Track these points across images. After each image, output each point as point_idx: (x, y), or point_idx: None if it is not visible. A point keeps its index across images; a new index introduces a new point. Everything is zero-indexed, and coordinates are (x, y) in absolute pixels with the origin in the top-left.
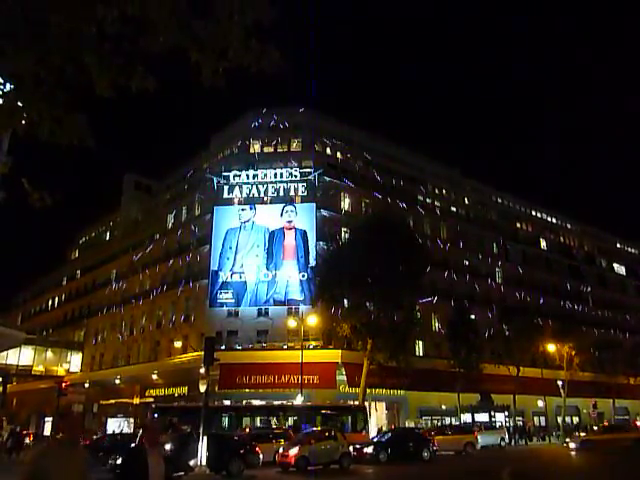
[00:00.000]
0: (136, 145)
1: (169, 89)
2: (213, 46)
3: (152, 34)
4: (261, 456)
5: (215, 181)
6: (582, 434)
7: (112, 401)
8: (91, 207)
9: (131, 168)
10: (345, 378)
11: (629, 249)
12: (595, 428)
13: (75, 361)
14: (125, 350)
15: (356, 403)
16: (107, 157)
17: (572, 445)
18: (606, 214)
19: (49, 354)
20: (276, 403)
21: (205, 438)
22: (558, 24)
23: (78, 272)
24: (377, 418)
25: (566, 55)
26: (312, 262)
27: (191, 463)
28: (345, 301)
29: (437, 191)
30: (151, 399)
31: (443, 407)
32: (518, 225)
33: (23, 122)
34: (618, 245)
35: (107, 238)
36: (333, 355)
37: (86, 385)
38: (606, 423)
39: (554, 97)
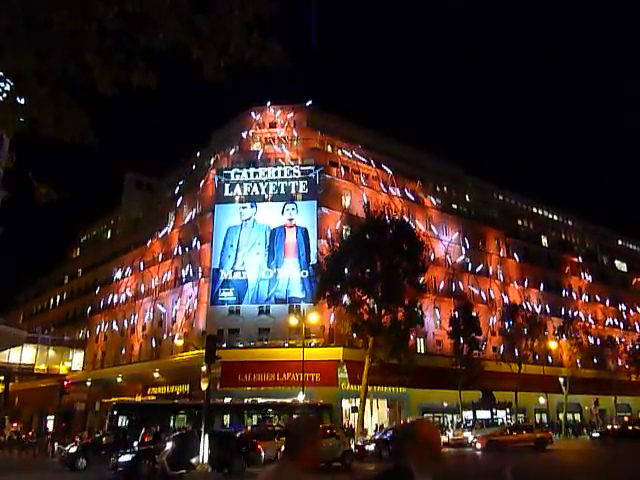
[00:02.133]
0: (137, 143)
1: (170, 86)
2: (214, 42)
3: (153, 30)
4: (263, 454)
5: (216, 179)
6: (488, 433)
7: (114, 400)
8: (92, 206)
9: (132, 166)
10: (346, 376)
11: (631, 246)
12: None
13: (77, 359)
14: (127, 348)
15: (321, 402)
16: (108, 155)
17: (478, 445)
18: (608, 211)
19: (51, 353)
20: (245, 402)
21: (207, 436)
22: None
23: (79, 270)
24: (379, 416)
25: (569, 47)
26: (313, 260)
27: (193, 461)
28: (346, 299)
29: (439, 188)
30: (153, 397)
31: (445, 404)
32: (519, 222)
33: (24, 120)
34: (620, 242)
35: (108, 236)
36: (334, 353)
37: (88, 384)
38: (511, 423)
39: (556, 92)
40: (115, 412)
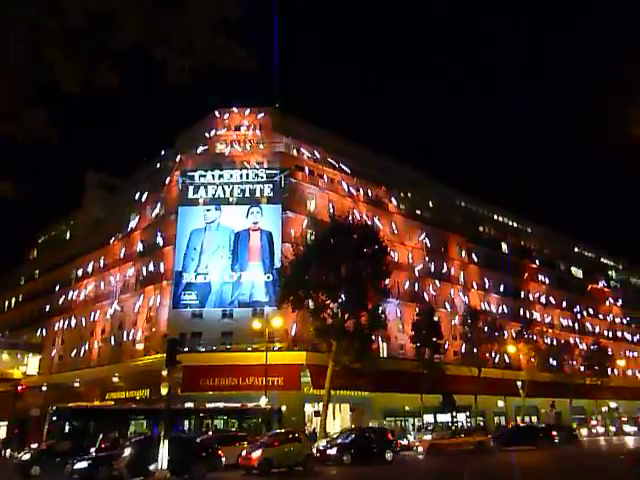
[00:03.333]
0: (100, 142)
1: (134, 86)
2: (178, 43)
3: (117, 30)
4: (224, 459)
5: (180, 181)
6: (430, 437)
7: (71, 405)
8: (51, 205)
9: (94, 166)
10: (309, 380)
11: (587, 253)
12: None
13: (33, 364)
14: (85, 352)
15: (270, 406)
16: (69, 154)
17: (420, 449)
18: (565, 220)
19: (5, 356)
20: (187, 405)
21: (166, 442)
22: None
23: (37, 272)
24: (341, 420)
25: (532, 51)
26: (277, 264)
27: (151, 467)
28: (310, 303)
29: (403, 194)
30: (111, 402)
31: (407, 408)
32: (481, 228)
33: None
34: (576, 249)
35: (68, 237)
36: (298, 357)
37: (44, 388)
38: (453, 427)
39: (516, 99)
40: (55, 418)
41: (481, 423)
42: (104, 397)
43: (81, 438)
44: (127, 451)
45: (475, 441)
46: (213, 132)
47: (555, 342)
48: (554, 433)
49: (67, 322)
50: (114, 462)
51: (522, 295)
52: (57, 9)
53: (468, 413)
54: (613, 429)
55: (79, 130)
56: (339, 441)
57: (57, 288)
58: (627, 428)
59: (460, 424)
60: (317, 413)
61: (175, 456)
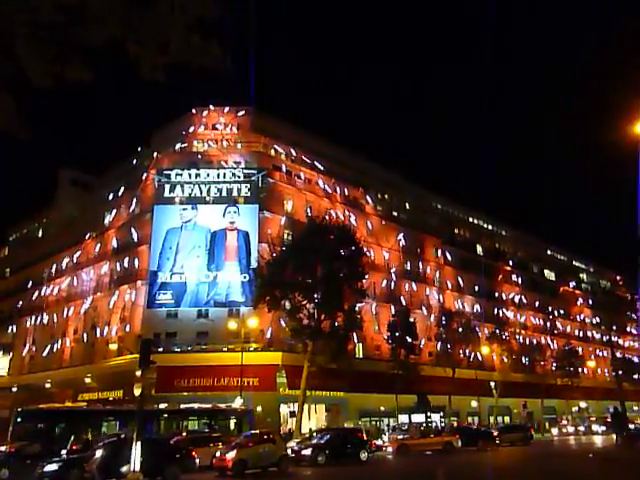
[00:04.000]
0: (74, 140)
1: (110, 83)
2: (152, 40)
3: (89, 25)
4: (197, 460)
5: (156, 179)
6: (399, 437)
7: (43, 406)
8: (23, 203)
9: (67, 163)
10: (285, 380)
11: (559, 256)
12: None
13: (3, 364)
14: (58, 353)
15: (243, 407)
16: (42, 150)
17: (389, 449)
18: (538, 223)
19: None
20: (161, 406)
21: (139, 443)
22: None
23: (7, 270)
24: (317, 420)
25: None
26: (254, 264)
27: (124, 469)
28: (286, 303)
29: (380, 195)
30: (84, 403)
31: (382, 408)
32: (456, 231)
33: None
34: (549, 252)
35: (40, 235)
36: (273, 357)
37: (14, 389)
38: (422, 427)
39: (491, 105)
40: (19, 420)
41: (454, 423)
42: (76, 398)
43: (50, 440)
44: (99, 453)
45: (443, 441)
46: (190, 131)
47: (528, 343)
48: (495, 434)
49: (39, 321)
50: (85, 464)
51: (496, 296)
52: (28, 2)
53: (442, 413)
54: (582, 429)
55: (53, 126)
56: (314, 441)
57: (29, 287)
58: (595, 428)
59: (434, 424)
60: (293, 414)
61: (148, 458)
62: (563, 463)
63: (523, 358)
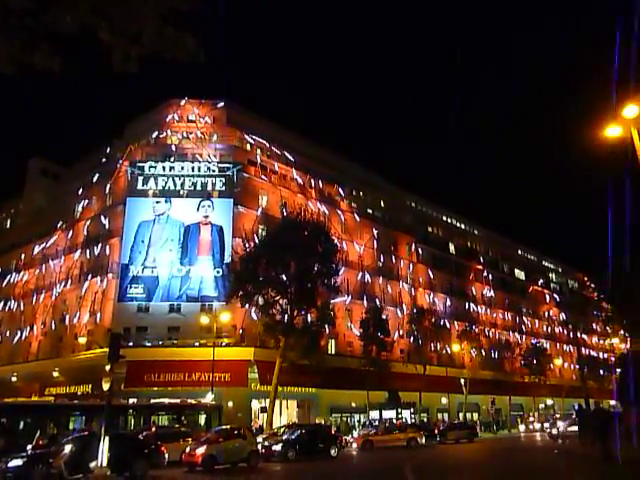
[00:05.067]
0: (44, 129)
1: (81, 72)
2: (125, 30)
3: (58, 12)
4: (167, 456)
5: (129, 171)
6: (364, 433)
7: (8, 400)
8: None
9: (37, 152)
10: (257, 376)
11: (529, 256)
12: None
13: None
14: (24, 346)
15: (212, 402)
16: (11, 139)
17: (354, 445)
18: (509, 223)
19: None
20: (130, 402)
21: (107, 438)
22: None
23: None
24: (288, 415)
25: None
26: (227, 258)
27: (92, 465)
28: (259, 299)
29: (355, 193)
30: (51, 398)
31: (353, 404)
32: (430, 229)
33: None
34: (519, 252)
35: (8, 226)
36: (245, 353)
37: None
38: (387, 424)
39: (465, 107)
40: None
41: (424, 419)
42: (44, 392)
43: (14, 435)
44: (67, 448)
45: (407, 437)
46: (164, 123)
47: (497, 341)
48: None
49: (5, 314)
50: (52, 460)
51: (467, 294)
52: None
53: (413, 410)
54: (547, 425)
55: (22, 116)
56: (284, 437)
57: None
58: (560, 424)
59: (404, 420)
60: (264, 409)
61: (116, 453)
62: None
63: (492, 355)
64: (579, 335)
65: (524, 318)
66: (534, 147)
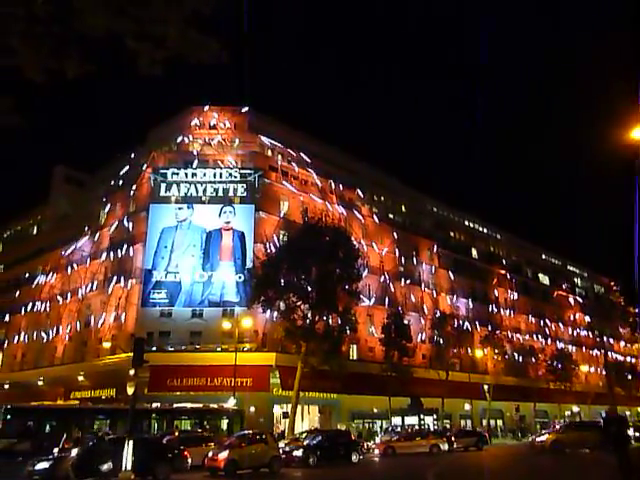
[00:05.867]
0: (69, 136)
1: (107, 80)
2: (150, 34)
3: (85, 18)
4: (189, 460)
5: (152, 178)
6: (385, 439)
7: (34, 403)
8: (17, 199)
9: (62, 160)
10: (279, 381)
11: (553, 260)
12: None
13: None
14: (50, 350)
15: (234, 407)
16: (35, 147)
17: (376, 451)
18: (532, 227)
19: None
20: (153, 406)
21: (131, 442)
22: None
23: (1, 267)
24: (309, 421)
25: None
26: (249, 264)
27: (104, 468)
28: (281, 304)
29: (376, 197)
30: (76, 402)
31: (375, 410)
32: (451, 234)
33: None
34: (543, 256)
35: (34, 232)
36: (267, 358)
37: (6, 386)
38: (409, 430)
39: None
40: (8, 417)
41: (447, 426)
42: (69, 396)
43: (39, 438)
44: (74, 451)
45: (429, 444)
46: (187, 130)
47: (521, 347)
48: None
49: (31, 319)
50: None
51: (490, 300)
52: None
53: (435, 416)
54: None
55: (48, 123)
56: (305, 443)
57: (21, 284)
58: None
59: (427, 427)
60: (285, 414)
61: (139, 457)
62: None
63: (516, 361)
64: (605, 340)
65: (548, 323)
66: (558, 148)
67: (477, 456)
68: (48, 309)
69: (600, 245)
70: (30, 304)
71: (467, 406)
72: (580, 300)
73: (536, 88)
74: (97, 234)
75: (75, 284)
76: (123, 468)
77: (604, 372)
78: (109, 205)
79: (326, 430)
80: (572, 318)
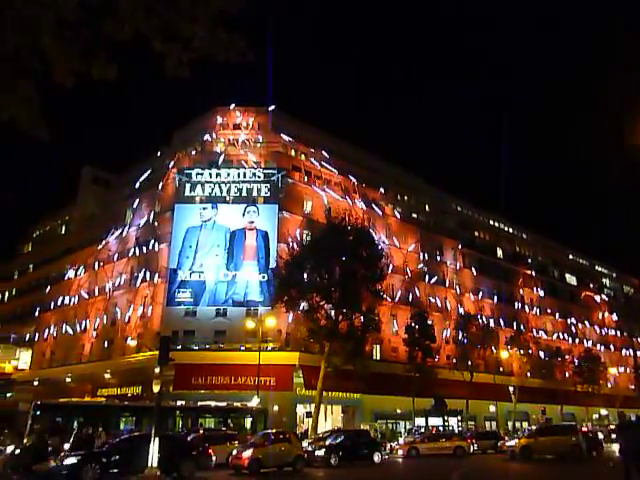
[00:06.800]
0: (96, 138)
1: (132, 82)
2: (178, 35)
3: (116, 21)
4: (214, 458)
5: (177, 178)
6: (409, 440)
7: (62, 400)
8: (45, 200)
9: (89, 161)
10: (302, 380)
11: (580, 260)
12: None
13: (24, 358)
14: (77, 348)
15: (258, 406)
16: (64, 147)
17: (400, 452)
18: (559, 227)
19: None
20: (178, 404)
21: (157, 439)
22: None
23: (30, 266)
24: (333, 421)
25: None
26: (272, 263)
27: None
28: (304, 304)
29: (399, 197)
30: (103, 399)
31: (398, 411)
32: (476, 234)
33: None
34: (570, 256)
35: (62, 232)
36: (291, 357)
37: (35, 383)
38: (433, 431)
39: (511, 110)
40: (38, 412)
41: (472, 427)
42: (96, 393)
43: (67, 434)
44: (9, 449)
45: (453, 445)
46: (211, 131)
47: (547, 349)
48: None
49: (59, 318)
50: (104, 459)
51: (515, 301)
52: (54, 1)
53: (459, 417)
54: (601, 436)
55: (76, 124)
56: (327, 442)
57: (50, 283)
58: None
59: (451, 428)
60: (309, 414)
61: (164, 454)
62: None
63: (542, 362)
64: (635, 341)
65: (576, 323)
66: (591, 145)
67: (496, 459)
68: (76, 307)
69: (630, 245)
70: (59, 302)
71: (492, 408)
72: (609, 301)
73: (565, 85)
74: (123, 234)
75: (102, 282)
76: (149, 465)
77: (634, 375)
78: (135, 205)
79: (348, 430)
80: (600, 319)
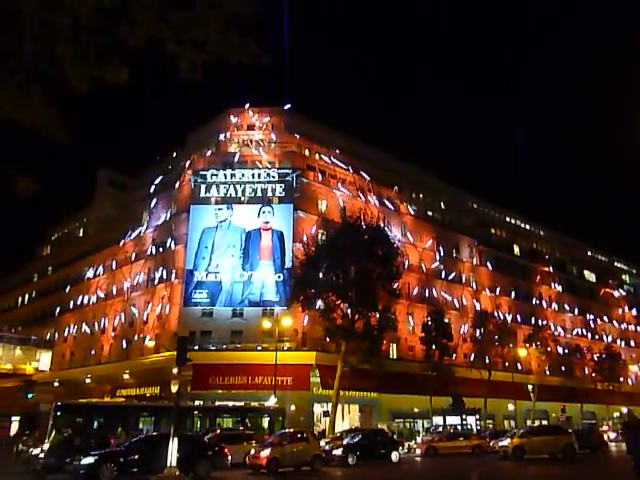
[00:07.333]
0: (110, 140)
1: (147, 84)
2: (191, 38)
3: (130, 25)
4: (230, 457)
5: (192, 179)
6: (427, 439)
7: (83, 401)
8: (62, 203)
9: (105, 164)
10: (319, 380)
11: (599, 257)
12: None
13: (44, 359)
14: (96, 349)
15: (275, 405)
16: (81, 151)
17: (418, 451)
18: (577, 223)
19: (17, 352)
20: (196, 404)
21: (175, 439)
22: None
23: (50, 269)
24: (350, 420)
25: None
26: (288, 263)
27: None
28: (320, 303)
29: (414, 195)
30: (122, 399)
31: (415, 410)
32: (492, 231)
33: None
34: (589, 253)
35: (80, 235)
36: (307, 357)
37: (55, 384)
38: (451, 430)
39: (529, 100)
40: (59, 413)
41: (490, 426)
42: (115, 393)
43: (88, 434)
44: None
45: (472, 444)
46: (225, 132)
47: (566, 346)
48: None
49: (78, 319)
50: (121, 459)
51: (533, 298)
52: (70, 6)
53: (478, 416)
54: (613, 435)
55: (91, 128)
56: (345, 442)
57: (69, 285)
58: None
59: (469, 427)
60: (326, 413)
61: (181, 454)
62: None
63: (561, 361)
64: None
65: (595, 320)
66: (608, 141)
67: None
68: (94, 309)
69: None
70: (77, 305)
71: (511, 406)
72: (629, 298)
73: (585, 79)
74: (140, 235)
75: (120, 283)
76: (168, 464)
77: None
78: (151, 207)
79: (365, 429)
80: (621, 316)
